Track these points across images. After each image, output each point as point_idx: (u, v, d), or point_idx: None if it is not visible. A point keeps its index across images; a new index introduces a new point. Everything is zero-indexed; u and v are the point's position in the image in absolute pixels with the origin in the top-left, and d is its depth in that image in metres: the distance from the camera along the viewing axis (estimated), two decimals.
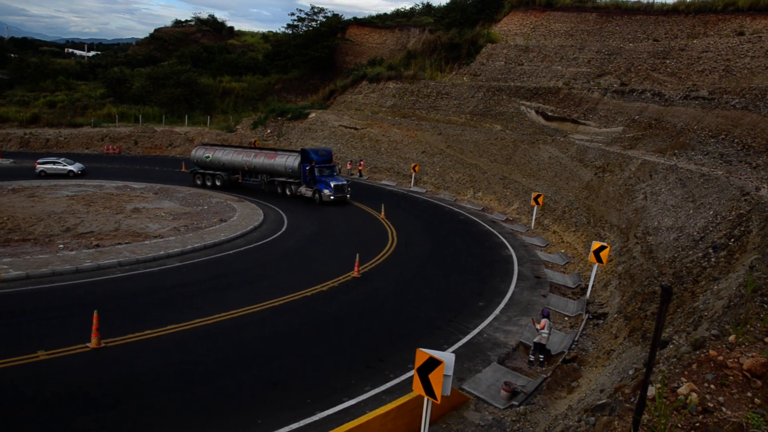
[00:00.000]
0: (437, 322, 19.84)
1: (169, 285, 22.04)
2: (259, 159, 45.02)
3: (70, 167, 47.98)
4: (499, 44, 60.19)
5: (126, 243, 27.48)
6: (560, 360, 16.87)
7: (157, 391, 13.75)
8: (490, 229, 36.40)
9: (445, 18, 71.87)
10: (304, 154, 42.66)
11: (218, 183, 47.22)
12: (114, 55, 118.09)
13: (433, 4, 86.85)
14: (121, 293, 20.69)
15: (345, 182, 42.22)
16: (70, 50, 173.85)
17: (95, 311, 15.83)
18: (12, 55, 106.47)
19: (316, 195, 41.78)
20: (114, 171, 50.74)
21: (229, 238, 29.84)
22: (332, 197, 41.21)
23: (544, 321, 17.06)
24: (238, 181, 48.87)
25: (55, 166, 47.78)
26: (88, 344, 15.50)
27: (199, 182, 47.76)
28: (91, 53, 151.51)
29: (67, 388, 13.52)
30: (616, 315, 19.18)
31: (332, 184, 41.39)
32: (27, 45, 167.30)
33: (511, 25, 62.83)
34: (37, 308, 18.63)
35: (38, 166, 47.75)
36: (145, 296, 20.56)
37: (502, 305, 22.17)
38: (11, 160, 54.74)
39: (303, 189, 42.99)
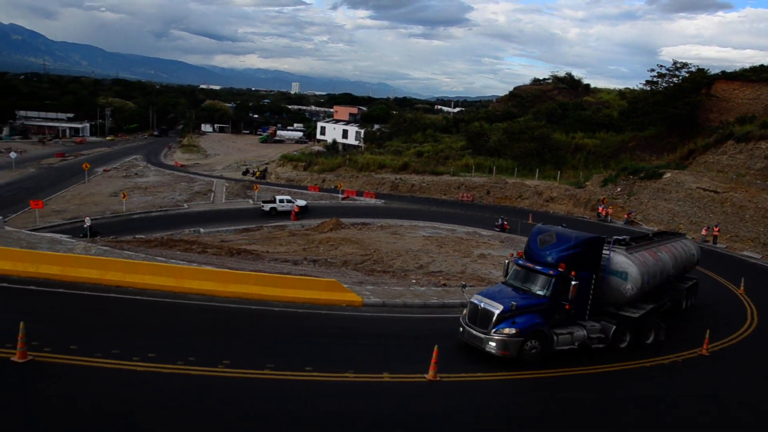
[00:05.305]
0: None
1: None
2: None
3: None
4: None
5: (470, 286, 28.96)
6: None
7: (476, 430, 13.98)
8: None
9: None
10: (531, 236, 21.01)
11: None
12: (476, 111, 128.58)
13: None
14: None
15: (508, 312, 17.82)
16: (439, 107, 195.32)
17: (436, 345, 16.67)
18: (393, 112, 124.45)
19: None
20: (466, 217, 54.37)
21: None
22: (490, 348, 17.91)
23: None
24: None
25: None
26: (425, 375, 16.42)
27: None
28: (456, 109, 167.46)
29: (400, 412, 14.48)
30: None
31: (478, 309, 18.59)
32: (405, 103, 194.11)
33: None
34: (389, 334, 20.64)
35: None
36: None
37: None
38: (382, 201, 64.35)
39: None
